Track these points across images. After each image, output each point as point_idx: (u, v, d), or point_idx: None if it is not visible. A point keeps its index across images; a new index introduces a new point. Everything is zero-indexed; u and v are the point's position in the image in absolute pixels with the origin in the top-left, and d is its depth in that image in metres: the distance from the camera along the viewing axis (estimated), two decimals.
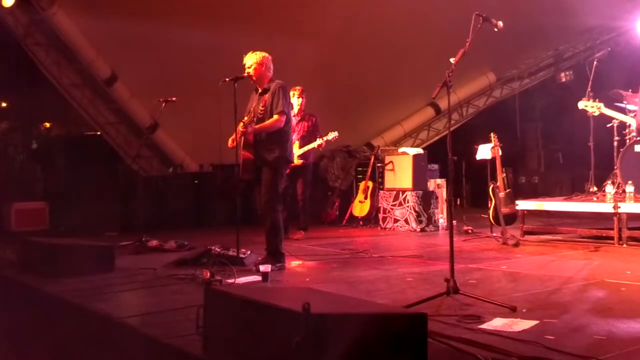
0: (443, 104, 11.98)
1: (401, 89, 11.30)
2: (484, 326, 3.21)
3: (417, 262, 5.70)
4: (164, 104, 7.14)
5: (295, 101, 7.70)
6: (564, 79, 12.04)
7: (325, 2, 9.38)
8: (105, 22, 8.86)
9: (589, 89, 7.33)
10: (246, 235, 5.61)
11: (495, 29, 4.15)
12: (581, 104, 7.08)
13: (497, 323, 3.26)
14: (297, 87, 7.74)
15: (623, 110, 7.21)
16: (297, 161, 7.13)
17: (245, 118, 5.49)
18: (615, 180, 6.97)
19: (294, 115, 7.63)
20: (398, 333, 2.35)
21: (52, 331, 4.10)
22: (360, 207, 9.37)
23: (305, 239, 7.64)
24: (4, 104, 13.31)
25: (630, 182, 6.49)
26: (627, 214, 6.26)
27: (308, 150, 7.77)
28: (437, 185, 9.04)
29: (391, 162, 8.97)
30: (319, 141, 7.73)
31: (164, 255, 6.25)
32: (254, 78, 5.47)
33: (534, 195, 9.60)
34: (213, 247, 5.50)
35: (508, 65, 12.53)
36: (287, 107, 5.45)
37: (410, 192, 8.53)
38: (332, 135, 7.84)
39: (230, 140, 5.44)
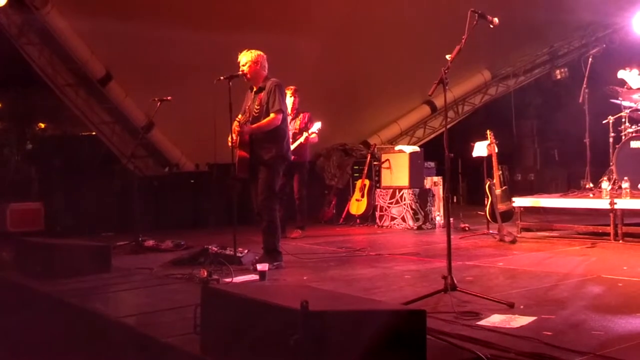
0: (439, 102, 12.00)
1: (397, 87, 11.29)
2: (482, 323, 3.22)
3: (415, 259, 5.70)
4: (159, 103, 7.11)
5: (289, 100, 7.73)
6: (559, 76, 12.05)
7: (322, 1, 9.36)
8: (99, 22, 8.81)
9: (585, 86, 7.35)
10: (243, 234, 5.60)
11: (491, 26, 4.15)
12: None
13: (495, 319, 3.26)
14: (291, 87, 7.79)
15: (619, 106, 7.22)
16: None
17: (240, 117, 5.48)
18: (611, 177, 6.99)
19: (287, 114, 7.65)
20: (397, 330, 2.35)
21: (49, 332, 4.09)
22: (357, 206, 9.37)
23: (302, 237, 7.64)
24: None
25: (626, 178, 6.50)
26: (623, 210, 6.28)
27: (304, 148, 7.79)
28: (434, 182, 9.06)
29: (388, 160, 8.98)
30: (305, 135, 7.75)
31: (160, 255, 6.25)
32: (248, 76, 5.45)
33: (530, 192, 9.59)
34: (210, 247, 5.49)
35: (503, 63, 12.53)
36: (283, 105, 5.45)
37: (406, 190, 8.55)
38: (315, 126, 7.84)
39: (229, 139, 5.42)
